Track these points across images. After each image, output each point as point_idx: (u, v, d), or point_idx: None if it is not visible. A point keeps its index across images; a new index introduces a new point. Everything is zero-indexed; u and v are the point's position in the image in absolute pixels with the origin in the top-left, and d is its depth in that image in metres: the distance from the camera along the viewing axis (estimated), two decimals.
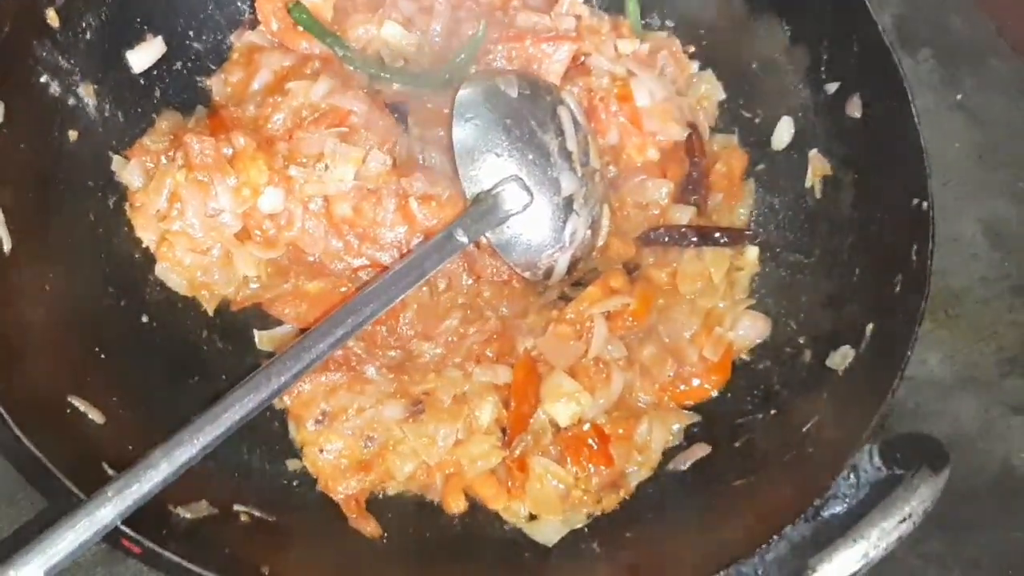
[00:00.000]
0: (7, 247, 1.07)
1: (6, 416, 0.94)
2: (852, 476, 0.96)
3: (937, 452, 0.91)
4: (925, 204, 1.09)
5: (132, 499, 0.90)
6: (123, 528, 0.91)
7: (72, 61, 1.18)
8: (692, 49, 1.36)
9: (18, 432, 0.94)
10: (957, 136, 1.60)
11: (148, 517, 0.93)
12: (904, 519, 0.86)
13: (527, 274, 1.22)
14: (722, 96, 1.35)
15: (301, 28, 1.31)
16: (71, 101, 1.19)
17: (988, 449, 1.38)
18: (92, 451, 1.00)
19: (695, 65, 1.36)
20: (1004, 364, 1.45)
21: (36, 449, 0.94)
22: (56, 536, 0.87)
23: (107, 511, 0.89)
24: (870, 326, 1.10)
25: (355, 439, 1.14)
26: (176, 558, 0.91)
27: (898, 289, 1.09)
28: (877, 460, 0.96)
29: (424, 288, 1.21)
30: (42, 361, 1.04)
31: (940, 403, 1.40)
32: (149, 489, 0.91)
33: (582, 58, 1.31)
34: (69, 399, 1.03)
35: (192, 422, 0.95)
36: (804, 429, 1.08)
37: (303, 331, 1.20)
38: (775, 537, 0.93)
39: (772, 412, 1.15)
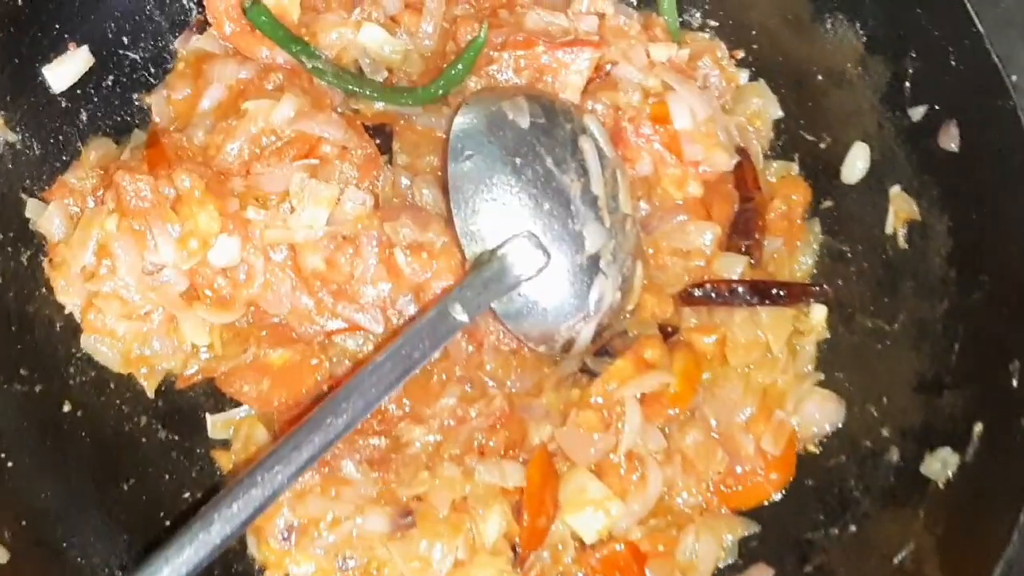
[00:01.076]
0: None
1: None
2: None
3: None
4: None
5: None
6: None
7: None
8: (741, 55, 1.15)
9: None
10: None
11: None
12: None
13: (541, 348, 1.00)
14: (779, 114, 1.13)
15: (260, 32, 1.08)
16: None
17: None
18: None
19: (745, 75, 1.14)
20: None
21: None
22: None
23: None
24: (979, 426, 0.88)
25: (329, 560, 0.95)
26: None
27: (1016, 381, 0.86)
28: None
29: None
30: None
31: None
32: None
33: (607, 68, 1.10)
34: None
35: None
36: (896, 560, 0.86)
37: (265, 414, 0.99)
38: None
39: (851, 529, 0.94)
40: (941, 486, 0.89)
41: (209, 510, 0.78)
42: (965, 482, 0.88)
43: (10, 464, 0.90)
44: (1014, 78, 1.37)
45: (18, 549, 0.85)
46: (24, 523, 0.86)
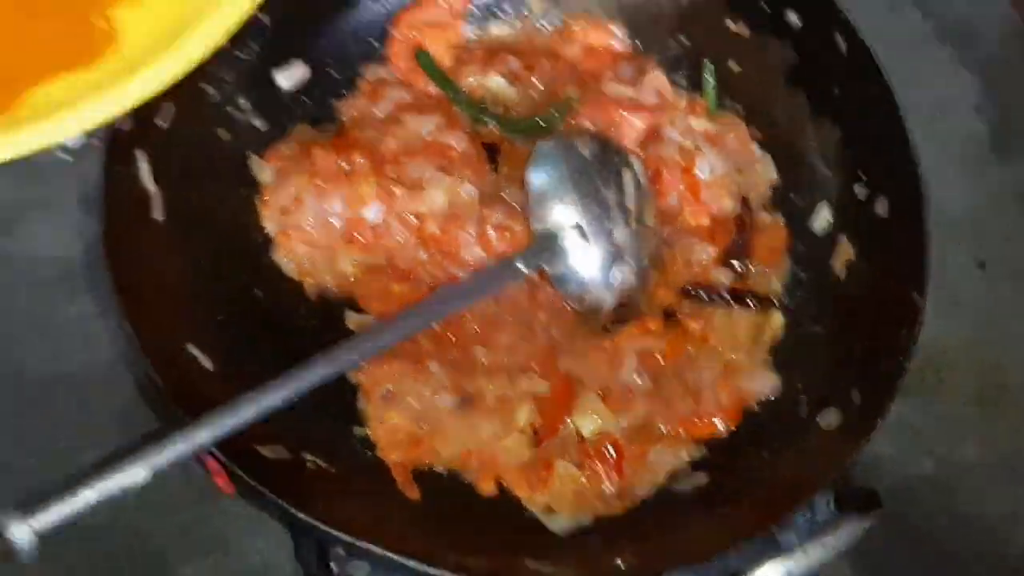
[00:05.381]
0: (161, 217, 1.41)
1: (137, 342, 1.26)
2: (808, 513, 1.22)
3: (873, 500, 1.17)
4: (919, 297, 1.34)
5: (225, 428, 1.18)
6: (214, 451, 1.21)
7: (233, 75, 1.50)
8: (757, 135, 1.62)
9: (145, 358, 1.26)
10: None
11: (235, 449, 1.23)
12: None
13: (576, 305, 1.50)
14: (775, 179, 1.60)
15: (423, 71, 1.62)
16: (227, 107, 1.52)
17: (1009, 538, 1.58)
18: (200, 390, 1.32)
19: (757, 149, 1.62)
20: None
21: (156, 374, 1.26)
22: (163, 446, 1.16)
23: (205, 434, 1.18)
24: (856, 394, 1.35)
25: (411, 419, 1.41)
26: (256, 484, 1.21)
27: (882, 367, 1.34)
28: (832, 505, 1.22)
29: (489, 304, 1.49)
30: (172, 310, 1.36)
31: (970, 483, 1.61)
32: (238, 423, 1.19)
33: (657, 128, 1.58)
34: (187, 346, 1.35)
35: (280, 377, 1.25)
36: (783, 473, 1.33)
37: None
38: (728, 550, 1.20)
39: (764, 455, 1.40)
40: (824, 429, 1.36)
41: (349, 342, 1.28)
42: (840, 428, 1.35)
43: (219, 317, 1.41)
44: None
45: (219, 364, 1.35)
46: (224, 352, 1.37)
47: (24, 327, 1.53)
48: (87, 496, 1.10)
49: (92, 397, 1.49)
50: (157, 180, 1.41)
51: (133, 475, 1.13)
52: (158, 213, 1.41)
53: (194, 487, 1.28)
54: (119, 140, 1.35)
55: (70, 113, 0.98)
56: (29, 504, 1.08)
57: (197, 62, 1.03)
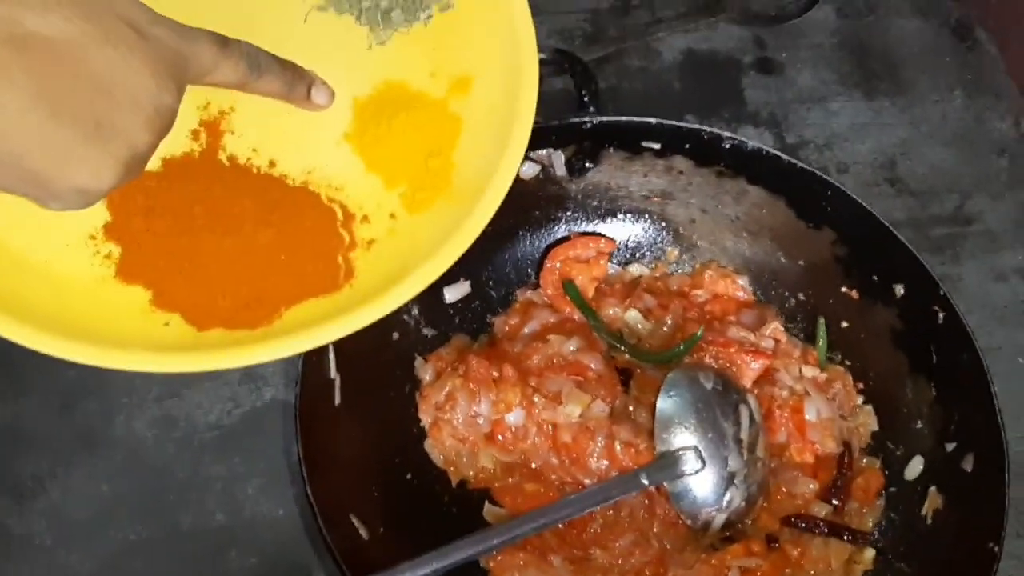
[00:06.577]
0: (338, 401, 1.67)
1: (315, 507, 1.50)
2: None
3: None
4: (996, 548, 1.53)
5: None
6: None
7: None
8: (861, 386, 1.83)
9: (320, 520, 1.50)
10: None
11: None
12: None
13: (689, 522, 1.70)
14: (875, 428, 1.81)
15: (569, 299, 1.88)
16: (402, 314, 1.78)
17: None
18: (355, 555, 1.55)
19: (860, 399, 1.83)
20: None
21: (329, 539, 1.50)
22: None
23: None
24: None
25: None
26: None
27: None
28: None
29: (610, 510, 1.71)
30: (340, 483, 1.58)
31: None
32: None
33: (772, 372, 1.82)
34: (351, 516, 1.60)
35: (430, 552, 1.48)
36: None
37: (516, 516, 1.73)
38: None
39: None
40: None
41: (488, 530, 1.48)
42: None
43: (376, 494, 1.63)
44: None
45: (373, 536, 1.58)
46: (379, 526, 1.61)
47: (179, 482, 1.78)
48: None
49: (230, 553, 1.72)
50: (339, 369, 1.67)
51: None
52: (337, 398, 1.67)
53: None
54: None
55: (312, 331, 1.25)
56: None
57: (413, 296, 1.30)
